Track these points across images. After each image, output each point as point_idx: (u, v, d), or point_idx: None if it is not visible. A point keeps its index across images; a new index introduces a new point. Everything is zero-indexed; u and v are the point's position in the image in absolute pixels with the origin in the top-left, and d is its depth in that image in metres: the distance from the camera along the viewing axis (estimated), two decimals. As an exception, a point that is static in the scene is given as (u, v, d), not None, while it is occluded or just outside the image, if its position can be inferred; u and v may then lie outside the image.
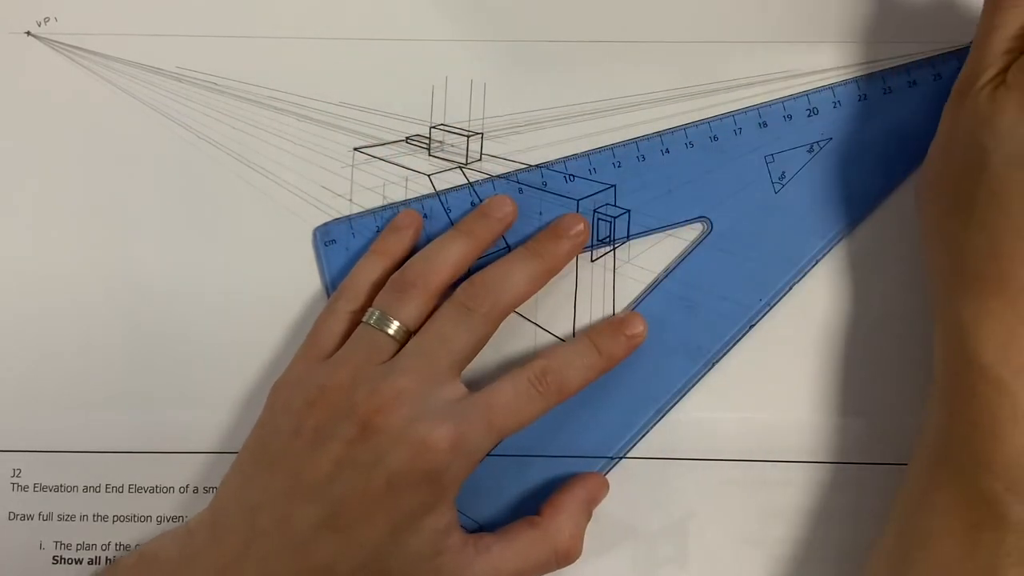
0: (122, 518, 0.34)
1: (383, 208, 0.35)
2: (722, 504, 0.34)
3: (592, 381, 0.32)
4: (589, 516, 0.33)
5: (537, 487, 0.34)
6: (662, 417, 0.34)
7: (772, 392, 0.34)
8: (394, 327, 0.31)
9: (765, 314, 0.34)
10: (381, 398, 0.30)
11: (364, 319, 0.32)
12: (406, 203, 0.35)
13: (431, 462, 0.29)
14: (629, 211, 0.35)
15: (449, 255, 0.33)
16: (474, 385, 0.32)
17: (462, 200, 0.35)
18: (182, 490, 0.34)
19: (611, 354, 0.32)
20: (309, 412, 0.30)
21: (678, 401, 0.34)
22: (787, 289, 0.34)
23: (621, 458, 0.34)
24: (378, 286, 0.33)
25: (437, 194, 0.35)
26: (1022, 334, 0.27)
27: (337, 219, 0.35)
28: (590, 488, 0.33)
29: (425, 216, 0.35)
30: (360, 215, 0.35)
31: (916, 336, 0.34)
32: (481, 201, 0.35)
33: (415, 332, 0.32)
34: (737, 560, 0.34)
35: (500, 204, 0.34)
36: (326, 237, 0.35)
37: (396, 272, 0.33)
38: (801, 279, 0.34)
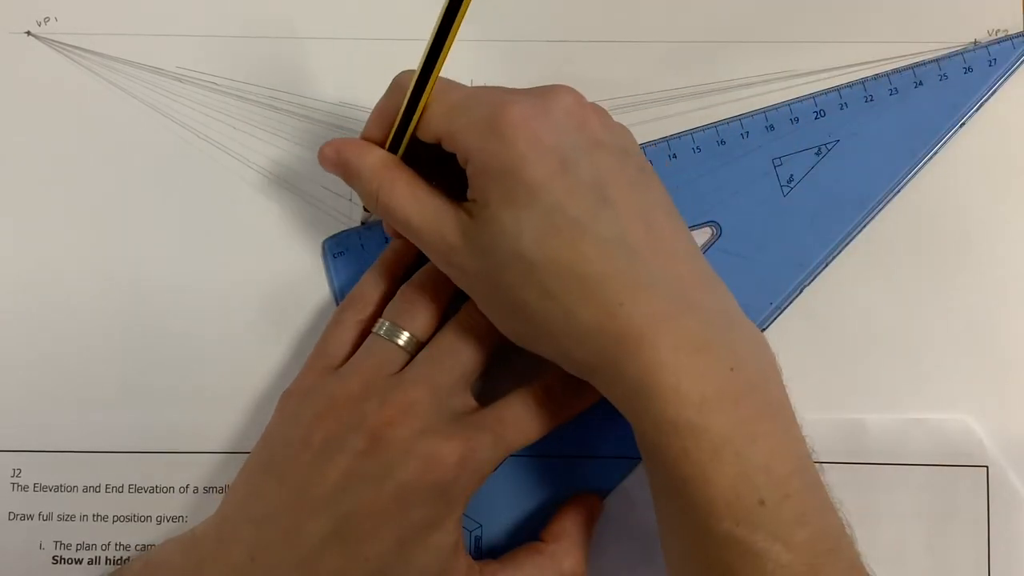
0: (122, 518, 0.34)
1: None
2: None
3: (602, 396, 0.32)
4: (590, 537, 0.33)
5: (550, 487, 0.34)
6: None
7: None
8: (404, 338, 0.31)
9: (776, 318, 0.34)
10: (390, 411, 0.29)
11: (374, 330, 0.32)
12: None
13: (440, 475, 0.29)
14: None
15: None
16: (479, 390, 0.32)
17: None
18: (182, 490, 0.34)
19: None
20: (318, 423, 0.30)
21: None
22: (797, 292, 0.34)
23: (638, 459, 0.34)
24: (386, 296, 0.33)
25: None
26: (680, 366, 0.26)
27: (346, 231, 0.35)
28: (588, 508, 0.33)
29: None
30: (368, 226, 0.35)
31: (920, 336, 0.34)
32: None
33: (425, 343, 0.32)
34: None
35: None
36: (335, 248, 0.35)
37: (406, 283, 0.33)
38: (811, 282, 0.34)
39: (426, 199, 0.30)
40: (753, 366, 0.28)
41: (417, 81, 0.29)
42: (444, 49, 0.28)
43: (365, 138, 0.32)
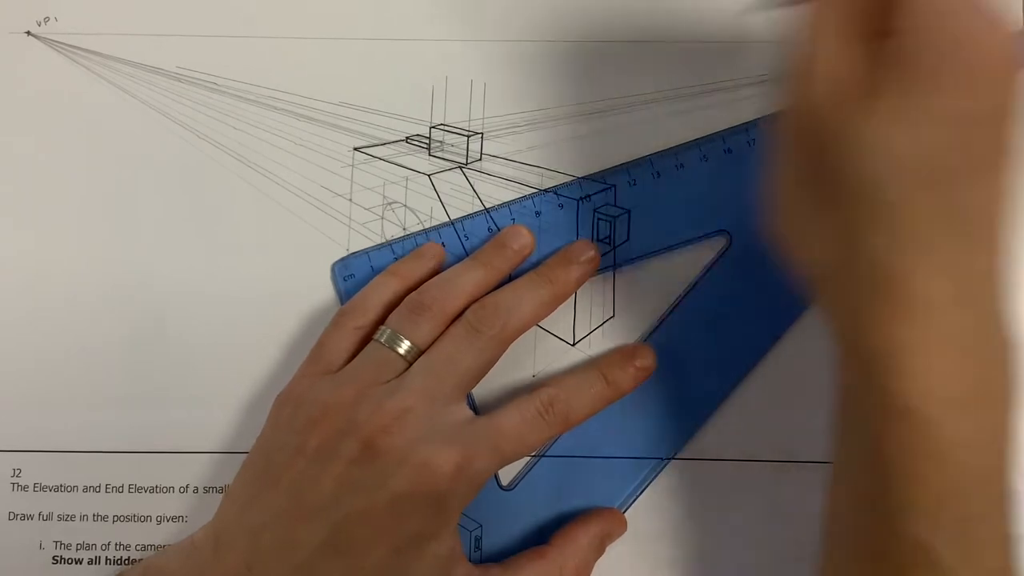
0: (122, 518, 0.34)
1: (401, 239, 0.35)
2: (723, 504, 0.34)
3: (599, 411, 0.32)
4: (601, 552, 0.33)
5: (550, 487, 0.34)
6: (695, 434, 0.34)
7: (774, 392, 0.34)
8: (405, 347, 0.31)
9: (792, 324, 0.34)
10: (384, 417, 0.29)
11: (375, 337, 0.32)
12: (425, 233, 0.35)
13: (435, 485, 0.28)
14: (629, 211, 0.35)
15: (466, 283, 0.33)
16: (475, 399, 0.31)
17: (478, 227, 0.35)
18: (182, 490, 0.34)
19: (618, 384, 0.32)
20: (312, 429, 0.30)
21: (710, 417, 0.34)
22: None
23: (664, 458, 0.34)
24: (389, 306, 0.33)
25: (452, 223, 0.35)
26: (941, 360, 0.24)
27: (355, 253, 0.35)
28: (606, 524, 0.33)
29: (443, 244, 0.35)
30: (378, 247, 0.35)
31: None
32: (498, 228, 0.35)
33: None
34: (737, 560, 0.34)
35: (517, 235, 0.34)
36: (345, 272, 0.35)
37: (412, 293, 0.33)
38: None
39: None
40: (1003, 378, 0.25)
41: None
42: None
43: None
